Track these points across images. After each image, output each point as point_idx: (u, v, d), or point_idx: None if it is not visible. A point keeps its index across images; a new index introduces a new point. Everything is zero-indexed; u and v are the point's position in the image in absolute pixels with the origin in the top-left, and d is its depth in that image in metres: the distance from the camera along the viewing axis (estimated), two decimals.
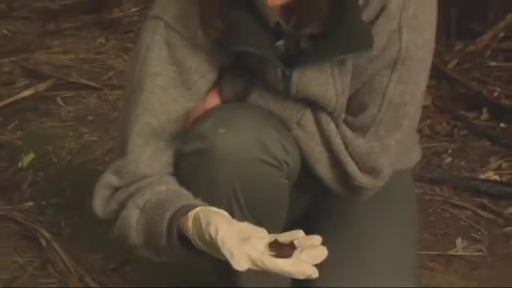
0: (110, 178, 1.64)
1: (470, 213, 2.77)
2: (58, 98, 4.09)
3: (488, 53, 4.22)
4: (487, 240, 2.59)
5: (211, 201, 1.46)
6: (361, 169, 1.62)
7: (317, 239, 1.30)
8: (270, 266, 1.24)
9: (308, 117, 1.63)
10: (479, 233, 2.64)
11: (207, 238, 1.30)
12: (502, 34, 4.29)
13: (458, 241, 2.59)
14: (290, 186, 1.66)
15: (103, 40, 5.25)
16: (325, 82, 1.58)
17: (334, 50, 1.53)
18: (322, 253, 1.27)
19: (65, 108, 3.99)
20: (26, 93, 4.13)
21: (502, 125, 3.43)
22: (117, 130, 1.74)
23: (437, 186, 2.94)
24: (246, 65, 1.65)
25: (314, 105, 1.62)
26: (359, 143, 1.61)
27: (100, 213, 1.66)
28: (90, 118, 3.83)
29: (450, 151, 3.26)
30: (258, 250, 1.27)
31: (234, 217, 1.41)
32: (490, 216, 2.74)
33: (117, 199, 1.63)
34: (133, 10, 5.89)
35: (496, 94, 3.70)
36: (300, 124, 1.62)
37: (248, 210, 1.56)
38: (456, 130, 3.46)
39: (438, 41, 4.27)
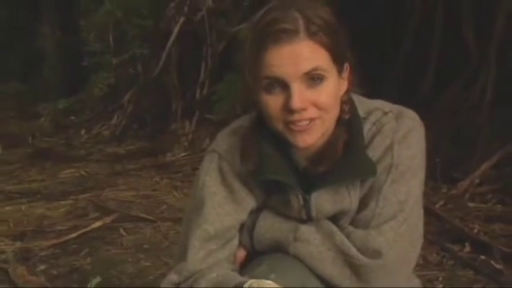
0: (172, 277, 1.60)
1: None
2: (121, 229, 4.06)
3: (467, 196, 4.19)
4: None
5: None
6: (361, 252, 1.53)
7: None
8: None
9: (306, 230, 1.59)
10: None
11: None
12: (477, 181, 4.28)
13: None
14: None
15: (158, 179, 5.27)
16: (342, 199, 1.57)
17: (346, 176, 1.55)
18: None
19: (126, 237, 3.94)
20: (96, 225, 4.11)
21: (482, 257, 3.30)
22: (180, 240, 1.69)
23: None
24: (269, 197, 1.64)
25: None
26: (358, 232, 1.55)
27: None
28: (145, 246, 3.76)
29: (440, 279, 3.14)
30: None
31: None
32: None
33: None
34: (182, 154, 5.97)
35: (476, 231, 3.60)
36: (297, 238, 1.58)
37: None
38: (445, 260, 3.35)
39: (426, 185, 4.27)
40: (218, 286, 1.49)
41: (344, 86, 1.53)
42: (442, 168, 4.36)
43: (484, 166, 4.28)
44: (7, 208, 4.62)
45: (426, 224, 3.71)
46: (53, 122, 8.43)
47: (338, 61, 1.47)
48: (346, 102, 1.56)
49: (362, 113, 1.59)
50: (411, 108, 1.66)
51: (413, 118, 1.61)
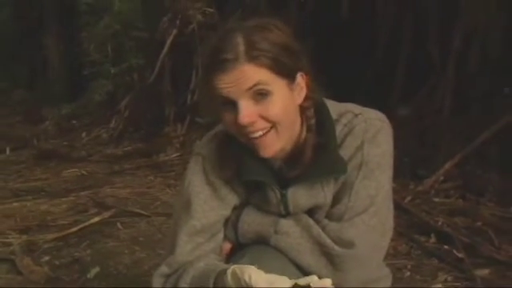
0: (163, 269, 1.61)
1: None
2: (118, 224, 4.03)
3: (432, 192, 4.20)
4: None
5: None
6: (336, 242, 1.53)
7: (328, 281, 1.28)
8: None
9: (285, 223, 1.59)
10: None
11: (243, 284, 1.30)
12: (441, 178, 4.29)
13: None
14: None
15: (152, 177, 5.26)
16: (316, 194, 1.57)
17: (319, 174, 1.55)
18: None
19: (122, 231, 3.92)
20: (95, 219, 4.08)
21: (446, 247, 3.33)
22: (169, 235, 1.69)
23: None
24: (251, 194, 1.66)
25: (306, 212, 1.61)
26: (332, 225, 1.55)
27: None
28: (140, 239, 3.74)
29: (408, 267, 3.15)
30: None
31: None
32: None
33: (170, 282, 1.58)
34: (174, 155, 5.96)
35: (440, 223, 3.61)
36: (277, 231, 1.58)
37: None
38: (412, 250, 3.37)
39: (395, 182, 4.28)
40: (204, 273, 1.49)
41: (302, 94, 1.53)
42: (410, 166, 4.42)
43: (447, 165, 4.31)
44: (14, 204, 4.59)
45: (395, 217, 3.72)
46: (56, 125, 8.39)
47: (285, 74, 1.46)
48: (309, 107, 1.55)
49: (334, 115, 1.59)
50: (382, 111, 1.66)
51: (381, 119, 1.61)
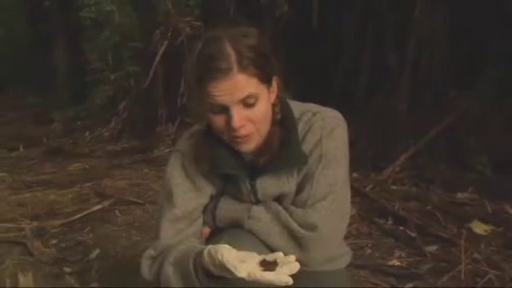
0: (149, 252, 1.61)
1: None
2: (117, 211, 4.01)
3: (390, 180, 4.22)
4: None
5: None
6: (301, 226, 1.53)
7: (292, 257, 1.29)
8: (259, 277, 1.25)
9: (256, 210, 1.59)
10: None
11: (217, 261, 1.30)
12: (398, 169, 4.32)
13: None
14: None
15: (147, 170, 5.23)
16: (282, 184, 1.57)
17: (283, 166, 1.55)
18: (296, 266, 1.27)
19: (120, 217, 3.90)
20: (96, 207, 4.07)
21: (401, 228, 3.35)
22: (155, 223, 1.70)
23: (361, 269, 2.83)
24: (226, 185, 1.65)
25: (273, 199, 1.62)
26: (298, 211, 1.55)
27: (147, 275, 1.60)
28: (136, 224, 3.73)
29: (369, 245, 3.18)
30: (252, 266, 1.28)
31: None
32: None
33: (156, 264, 1.57)
34: (166, 151, 5.93)
35: (396, 208, 3.62)
36: (250, 216, 1.58)
37: None
38: (373, 231, 3.38)
39: (359, 173, 4.29)
40: (185, 254, 1.48)
41: (274, 94, 1.53)
42: (371, 159, 4.43)
43: (402, 158, 4.35)
44: (26, 195, 4.57)
45: (358, 203, 3.81)
46: (63, 126, 8.32)
47: (266, 81, 1.47)
48: (277, 105, 1.55)
49: (296, 114, 1.60)
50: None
51: (337, 117, 1.61)
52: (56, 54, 10.65)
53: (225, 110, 1.43)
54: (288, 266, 1.26)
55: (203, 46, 1.45)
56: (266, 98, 1.48)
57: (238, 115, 1.43)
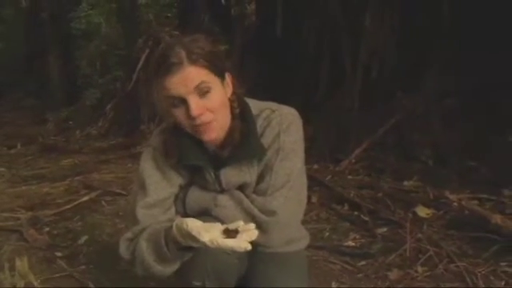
0: (127, 235, 1.58)
1: (339, 266, 2.65)
2: (103, 201, 3.95)
3: (347, 171, 4.22)
4: (349, 282, 2.47)
5: None
6: (262, 212, 1.53)
7: (252, 225, 1.27)
8: (221, 243, 1.23)
9: (222, 198, 1.58)
10: (344, 278, 2.52)
11: (183, 231, 1.30)
12: (353, 161, 4.32)
13: (333, 283, 2.46)
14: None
15: (131, 165, 5.16)
16: (244, 174, 1.56)
17: (244, 157, 1.55)
18: (254, 233, 1.25)
19: (106, 207, 3.84)
20: (85, 198, 4.01)
21: (356, 213, 3.35)
22: (129, 211, 1.66)
23: (320, 250, 2.82)
24: (194, 175, 1.64)
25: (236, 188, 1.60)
26: (259, 199, 1.55)
27: (125, 254, 1.57)
28: (120, 213, 3.67)
29: (327, 229, 3.16)
30: (216, 235, 1.25)
31: None
32: (351, 268, 2.62)
33: (133, 244, 1.54)
34: None
35: (352, 195, 3.62)
36: (216, 204, 1.57)
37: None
38: (331, 216, 3.37)
39: (319, 164, 4.27)
40: (157, 230, 1.47)
41: (229, 89, 1.52)
42: (330, 152, 4.44)
43: (357, 151, 4.35)
44: (23, 187, 4.50)
45: (318, 191, 3.80)
46: (56, 125, 8.21)
47: (218, 74, 1.46)
48: (234, 101, 1.55)
49: (255, 111, 1.59)
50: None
51: (293, 113, 1.61)
52: (50, 61, 10.47)
53: (183, 102, 1.43)
54: (248, 233, 1.25)
55: (159, 50, 1.46)
56: (219, 88, 1.47)
57: (194, 103, 1.42)
